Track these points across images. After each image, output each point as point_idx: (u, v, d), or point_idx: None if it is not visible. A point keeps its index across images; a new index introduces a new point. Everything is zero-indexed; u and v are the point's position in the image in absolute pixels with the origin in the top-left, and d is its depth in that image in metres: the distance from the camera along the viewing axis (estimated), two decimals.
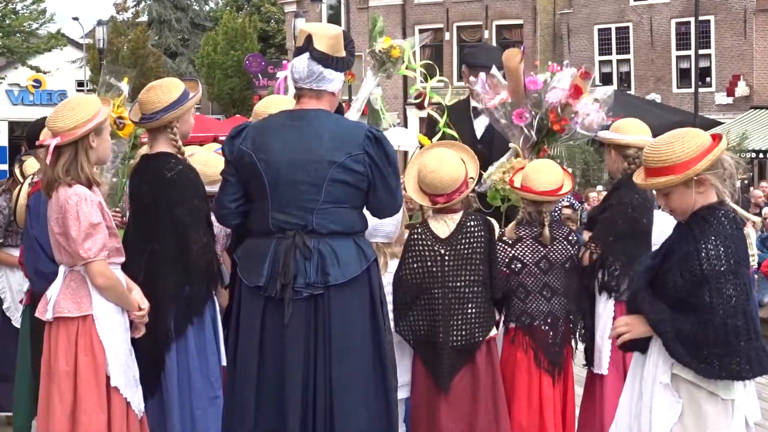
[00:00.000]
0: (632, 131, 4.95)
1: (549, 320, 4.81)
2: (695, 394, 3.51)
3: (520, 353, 4.83)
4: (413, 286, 4.65)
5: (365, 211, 4.18)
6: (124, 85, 5.33)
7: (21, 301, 5.80)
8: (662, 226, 5.72)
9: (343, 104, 5.38)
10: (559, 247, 4.86)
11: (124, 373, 4.10)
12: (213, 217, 4.49)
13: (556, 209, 5.23)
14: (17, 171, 5.81)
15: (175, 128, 4.50)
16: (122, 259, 4.13)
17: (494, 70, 5.67)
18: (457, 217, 4.69)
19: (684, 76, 29.59)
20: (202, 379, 4.42)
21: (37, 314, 4.16)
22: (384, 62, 5.65)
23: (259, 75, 33.97)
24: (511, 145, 5.46)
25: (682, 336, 3.47)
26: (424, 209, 4.87)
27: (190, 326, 4.40)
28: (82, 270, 4.04)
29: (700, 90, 26.91)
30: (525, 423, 4.76)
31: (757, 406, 3.70)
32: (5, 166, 18.22)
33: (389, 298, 4.67)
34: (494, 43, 32.33)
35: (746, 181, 21.95)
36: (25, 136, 5.30)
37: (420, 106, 6.00)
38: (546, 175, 4.83)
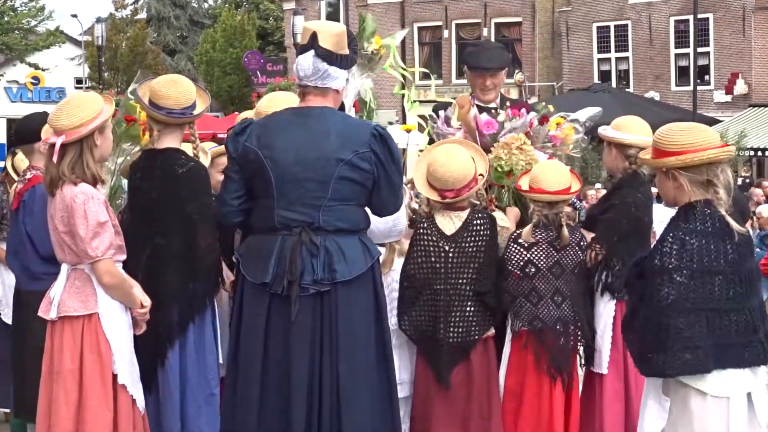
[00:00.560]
0: (634, 130, 4.94)
1: (559, 326, 4.79)
2: (682, 391, 3.49)
3: (531, 357, 4.79)
4: (418, 281, 4.68)
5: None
6: None
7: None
8: (661, 217, 5.75)
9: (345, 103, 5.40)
10: (571, 252, 4.83)
11: (130, 370, 4.10)
12: None
13: None
14: (8, 164, 5.83)
15: (194, 126, 4.53)
16: (124, 257, 4.13)
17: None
18: (464, 214, 4.70)
19: (683, 74, 29.57)
20: (199, 376, 4.41)
21: (40, 313, 4.13)
22: (371, 60, 5.64)
23: (258, 72, 33.97)
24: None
25: (634, 330, 3.52)
26: (431, 204, 4.87)
27: (191, 324, 4.40)
28: (86, 268, 4.04)
29: (699, 88, 26.91)
30: (534, 426, 4.75)
31: None
32: (3, 163, 18.19)
33: (393, 295, 4.70)
34: (493, 41, 32.32)
35: (747, 180, 21.98)
36: (14, 132, 5.27)
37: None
38: (555, 174, 4.81)
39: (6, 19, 32.72)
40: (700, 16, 26.66)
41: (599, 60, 31.20)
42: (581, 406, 5.06)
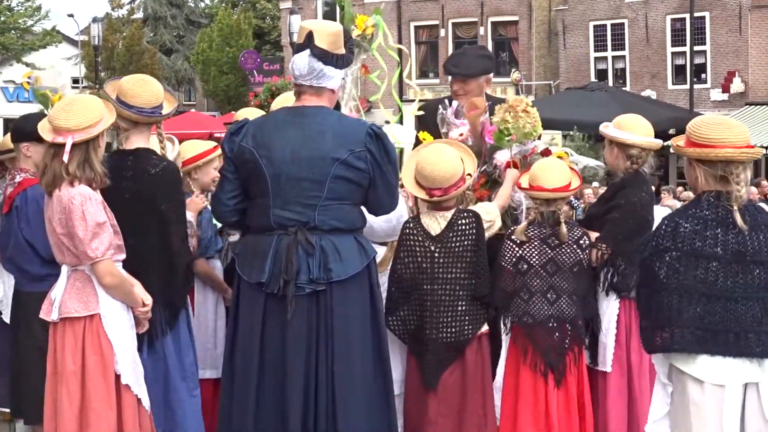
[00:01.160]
0: (637, 130, 4.93)
1: (552, 323, 4.79)
2: (681, 377, 3.56)
3: (523, 353, 4.82)
4: (406, 281, 4.69)
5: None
6: None
7: None
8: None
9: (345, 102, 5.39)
10: (568, 250, 4.82)
11: (134, 370, 4.10)
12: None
13: None
14: None
15: (160, 126, 4.51)
16: (123, 256, 4.12)
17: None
18: (449, 214, 4.71)
19: (679, 72, 29.57)
20: (179, 377, 4.39)
21: (41, 315, 4.13)
22: (361, 44, 5.60)
23: (255, 72, 33.96)
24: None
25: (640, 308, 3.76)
26: (418, 204, 4.88)
27: (168, 325, 4.38)
28: (86, 269, 4.03)
29: (696, 86, 26.91)
30: (531, 422, 4.75)
31: None
32: None
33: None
34: (489, 40, 32.35)
35: None
36: (12, 131, 5.14)
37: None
38: (555, 172, 4.81)
39: (2, 18, 32.74)
40: (696, 14, 26.66)
41: (596, 58, 31.19)
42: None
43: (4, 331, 5.77)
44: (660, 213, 4.97)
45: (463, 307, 4.69)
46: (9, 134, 5.22)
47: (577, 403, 4.83)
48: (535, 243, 4.82)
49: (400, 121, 5.53)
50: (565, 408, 4.78)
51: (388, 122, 5.77)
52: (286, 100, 4.94)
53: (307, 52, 4.03)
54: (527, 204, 5.22)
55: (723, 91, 28.58)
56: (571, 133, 21.95)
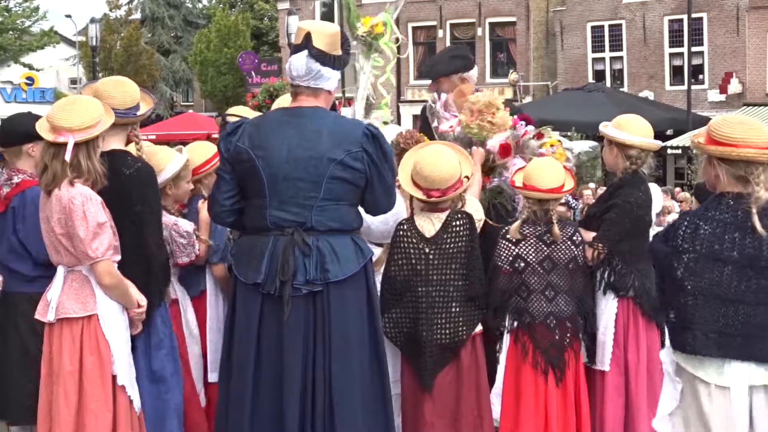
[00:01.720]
0: (637, 131, 4.94)
1: (551, 321, 4.79)
2: (689, 377, 3.59)
3: (523, 353, 4.82)
4: (399, 283, 4.69)
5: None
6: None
7: None
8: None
9: (337, 102, 5.38)
10: (563, 247, 4.83)
11: (129, 371, 4.10)
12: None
13: None
14: None
15: (136, 126, 4.48)
16: (119, 257, 4.11)
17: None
18: (443, 216, 4.71)
19: (677, 73, 29.60)
20: (149, 380, 4.33)
21: (37, 316, 4.12)
22: (371, 43, 5.61)
23: (252, 72, 33.96)
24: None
25: (662, 306, 3.81)
26: (413, 205, 4.88)
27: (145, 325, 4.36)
28: (84, 270, 4.03)
29: (693, 87, 26.91)
30: (532, 420, 4.75)
31: None
32: None
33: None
34: (487, 41, 32.39)
35: None
36: (10, 133, 5.04)
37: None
38: (549, 172, 4.82)
39: (0, 19, 32.70)
40: (694, 15, 26.65)
41: (594, 59, 31.22)
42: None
43: None
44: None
45: (457, 309, 4.69)
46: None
47: (573, 400, 4.84)
48: (531, 240, 4.83)
49: (398, 122, 5.54)
50: (562, 405, 4.79)
51: (385, 123, 5.75)
52: (286, 100, 4.94)
53: (305, 52, 4.03)
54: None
55: (720, 92, 28.62)
56: (568, 133, 21.97)
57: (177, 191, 4.83)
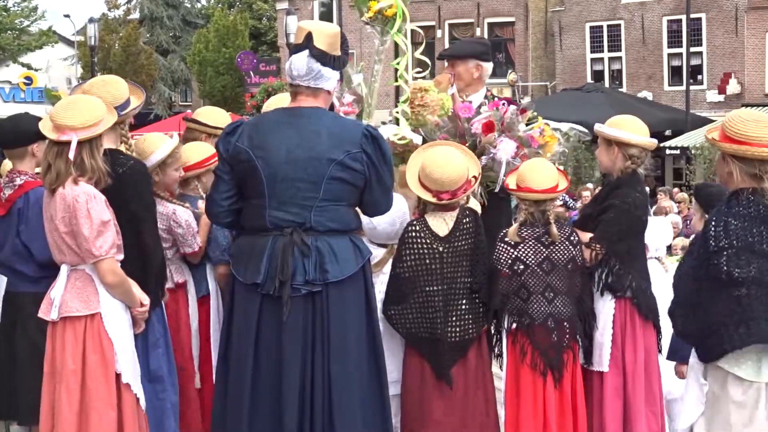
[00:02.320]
0: (636, 130, 4.94)
1: (551, 322, 4.79)
2: (720, 375, 3.61)
3: (522, 353, 4.82)
4: (408, 282, 4.68)
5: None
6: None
7: None
8: (653, 228, 5.76)
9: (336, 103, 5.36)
10: (562, 247, 4.83)
11: (133, 369, 4.11)
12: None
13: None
14: None
15: (125, 125, 4.46)
16: (122, 256, 4.12)
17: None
18: (454, 214, 4.73)
19: (675, 73, 29.62)
20: (145, 379, 4.33)
21: (40, 314, 4.12)
22: (385, 23, 5.54)
23: (251, 72, 33.93)
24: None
25: (695, 318, 3.79)
26: (423, 206, 4.87)
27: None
28: (87, 268, 4.04)
29: (692, 88, 26.94)
30: (531, 422, 4.74)
31: None
32: None
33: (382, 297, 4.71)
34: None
35: None
36: (18, 134, 5.00)
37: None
38: (543, 173, 4.82)
39: None
40: (692, 15, 26.68)
41: (592, 60, 31.24)
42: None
43: None
44: (654, 223, 4.99)
45: (466, 306, 4.72)
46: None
47: (570, 402, 4.84)
48: (530, 242, 4.83)
49: (396, 123, 5.51)
50: (559, 407, 4.79)
51: (384, 123, 5.74)
52: (278, 101, 4.93)
53: (306, 52, 4.03)
54: (512, 162, 5.32)
55: (719, 93, 28.64)
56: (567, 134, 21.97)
57: (164, 178, 4.81)
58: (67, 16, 49.89)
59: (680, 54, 28.35)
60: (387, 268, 4.85)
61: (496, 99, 5.76)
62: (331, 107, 4.44)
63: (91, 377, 3.99)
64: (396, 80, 5.72)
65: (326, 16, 33.26)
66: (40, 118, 4.37)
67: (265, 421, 3.94)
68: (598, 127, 5.05)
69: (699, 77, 29.19)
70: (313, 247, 3.94)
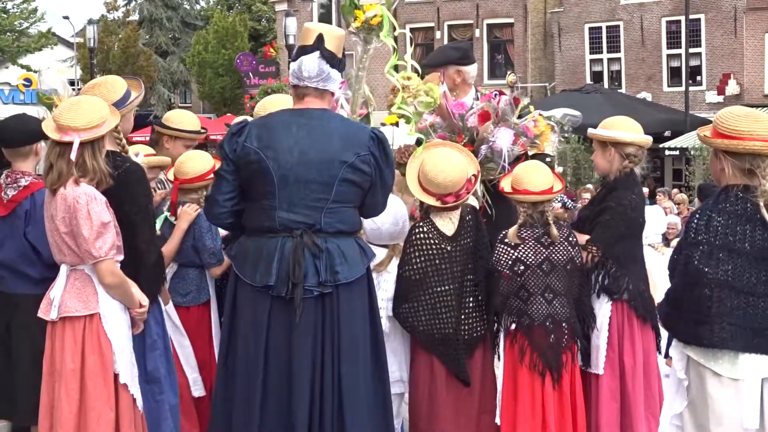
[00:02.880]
0: (631, 129, 4.95)
1: (550, 323, 4.81)
2: (699, 371, 3.61)
3: (521, 353, 4.84)
4: (416, 282, 4.70)
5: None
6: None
7: None
8: (652, 219, 5.77)
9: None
10: (561, 248, 4.86)
11: (131, 370, 4.11)
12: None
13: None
14: None
15: (119, 126, 4.48)
16: (122, 257, 4.12)
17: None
18: (458, 213, 4.79)
19: (674, 74, 29.61)
20: (142, 381, 4.33)
21: (40, 314, 4.13)
22: (370, 31, 5.55)
23: (250, 74, 33.93)
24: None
25: (677, 303, 3.78)
26: (427, 208, 4.88)
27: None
28: (86, 269, 4.05)
29: (691, 88, 26.95)
30: (529, 423, 4.76)
31: None
32: None
33: (386, 296, 4.73)
34: (485, 42, 32.40)
35: None
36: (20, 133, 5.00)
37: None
38: (538, 175, 4.85)
39: None
40: (691, 16, 26.68)
41: (591, 61, 31.23)
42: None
43: None
44: (653, 213, 5.00)
45: (472, 304, 4.78)
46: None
47: (570, 403, 4.85)
48: (530, 243, 4.85)
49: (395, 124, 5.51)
50: (558, 408, 4.80)
51: (383, 124, 5.72)
52: (273, 102, 4.91)
53: (317, 53, 4.02)
54: (511, 150, 5.31)
55: (718, 94, 28.62)
56: (566, 134, 21.98)
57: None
58: (66, 17, 49.86)
59: (679, 55, 28.35)
60: (391, 267, 4.86)
61: (487, 92, 5.78)
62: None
63: (90, 377, 4.01)
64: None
65: (325, 18, 33.26)
66: (42, 119, 4.38)
67: (275, 424, 3.92)
68: (591, 131, 5.07)
69: (698, 78, 29.18)
70: (323, 249, 3.94)
